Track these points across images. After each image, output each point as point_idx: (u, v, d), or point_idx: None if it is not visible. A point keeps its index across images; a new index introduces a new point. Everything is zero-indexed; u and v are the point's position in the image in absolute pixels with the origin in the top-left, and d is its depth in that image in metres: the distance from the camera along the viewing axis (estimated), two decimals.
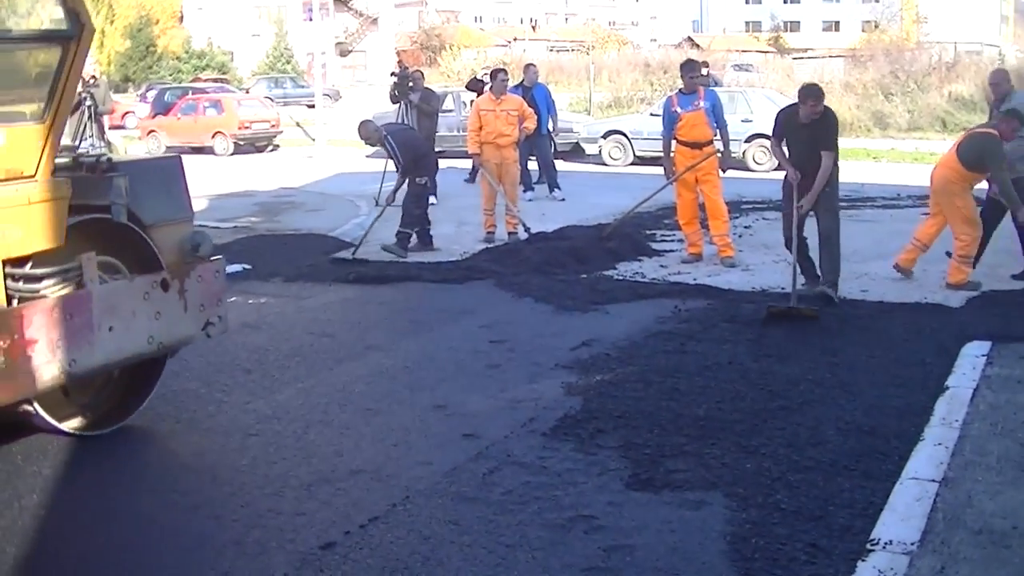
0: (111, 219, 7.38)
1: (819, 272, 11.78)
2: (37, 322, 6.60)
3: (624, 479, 6.59)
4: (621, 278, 12.85)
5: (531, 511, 6.13)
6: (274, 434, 7.59)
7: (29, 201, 6.72)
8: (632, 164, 27.58)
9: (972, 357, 9.25)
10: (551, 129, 21.53)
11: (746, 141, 24.62)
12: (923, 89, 37.74)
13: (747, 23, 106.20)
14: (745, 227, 16.11)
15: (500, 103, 15.86)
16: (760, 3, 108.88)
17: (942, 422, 7.60)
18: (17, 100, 7.20)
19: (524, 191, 19.33)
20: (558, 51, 68.74)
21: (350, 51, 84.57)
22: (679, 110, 13.66)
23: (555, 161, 21.64)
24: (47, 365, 6.68)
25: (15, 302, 6.76)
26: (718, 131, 13.87)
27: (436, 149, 20.88)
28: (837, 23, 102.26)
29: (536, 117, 17.69)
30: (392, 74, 20.04)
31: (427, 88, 20.82)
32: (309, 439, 7.46)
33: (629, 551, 5.62)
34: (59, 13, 6.94)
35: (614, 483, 6.54)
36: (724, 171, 13.96)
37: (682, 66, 14.13)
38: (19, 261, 6.80)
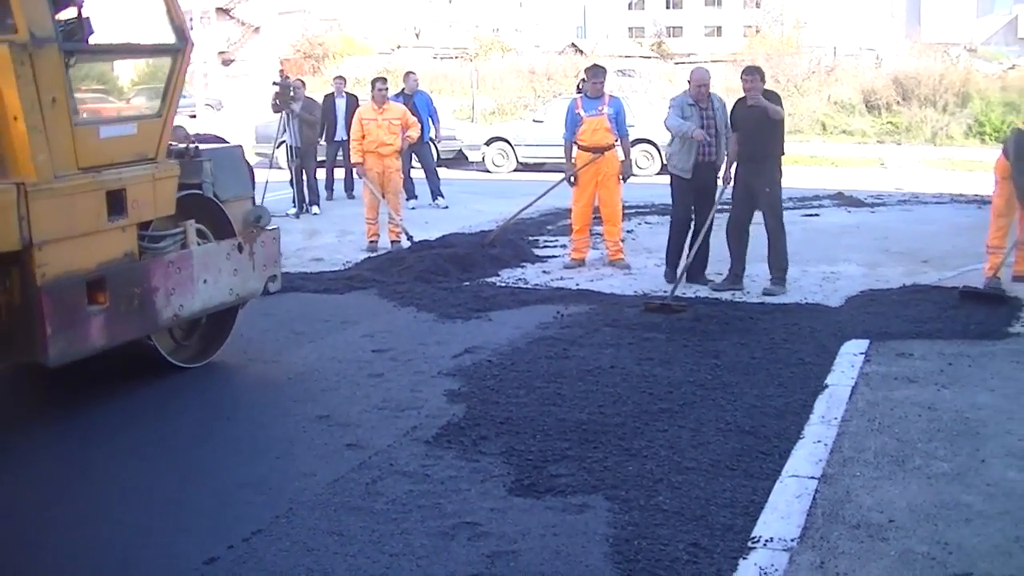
0: (202, 194, 9.30)
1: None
2: (159, 273, 8.59)
3: (507, 485, 6.60)
4: (504, 285, 12.86)
5: (415, 519, 6.11)
6: (159, 450, 7.51)
7: (154, 178, 8.54)
8: (515, 171, 27.69)
9: (850, 355, 9.42)
10: (433, 137, 21.51)
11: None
12: (803, 93, 38.26)
13: (630, 29, 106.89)
14: (628, 232, 16.21)
15: (382, 112, 15.79)
16: (643, 9, 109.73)
17: (821, 420, 7.73)
18: (143, 100, 9.42)
19: (407, 199, 19.31)
20: (442, 58, 68.54)
21: (232, 60, 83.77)
22: (582, 113, 13.72)
23: (438, 169, 21.59)
24: (165, 308, 8.68)
25: (143, 258, 8.54)
26: (619, 139, 13.95)
27: (319, 159, 20.81)
28: (719, 28, 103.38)
29: (419, 125, 17.67)
30: (273, 83, 19.86)
31: (308, 97, 20.68)
32: (194, 454, 7.38)
33: (513, 556, 5.62)
34: (170, 30, 8.75)
35: (497, 489, 6.55)
36: (625, 179, 14.06)
37: (588, 70, 14.20)
38: (145, 225, 8.60)
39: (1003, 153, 12.46)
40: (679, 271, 12.32)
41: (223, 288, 9.38)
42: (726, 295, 12.05)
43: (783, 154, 12.30)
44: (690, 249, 12.41)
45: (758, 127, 12.02)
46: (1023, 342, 9.92)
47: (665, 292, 12.06)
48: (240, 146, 10.52)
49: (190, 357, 9.53)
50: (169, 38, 8.79)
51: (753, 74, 12.12)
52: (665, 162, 12.71)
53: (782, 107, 12.33)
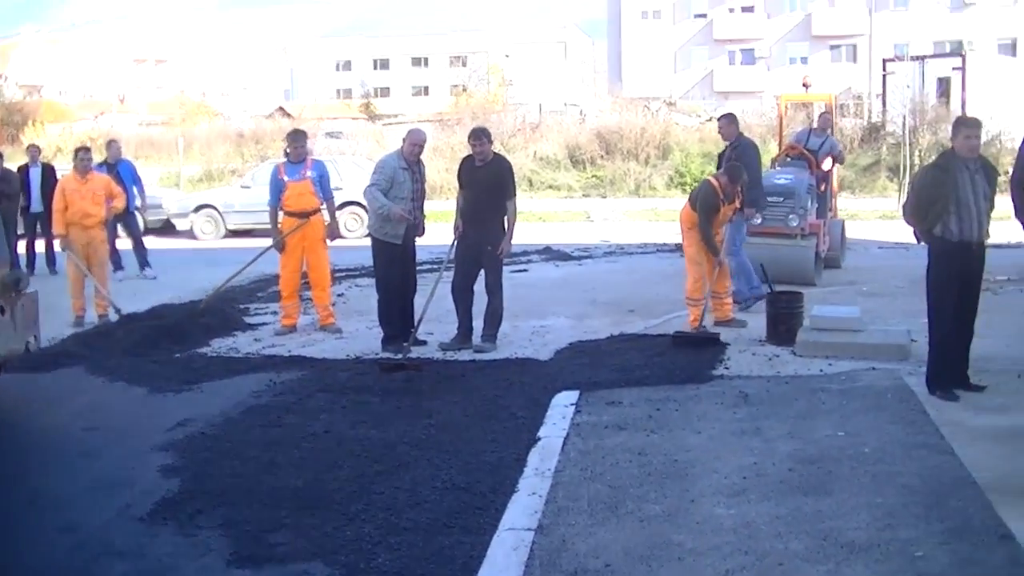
0: None
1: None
2: None
3: (226, 558, 6.54)
4: (216, 355, 12.67)
5: None
6: None
7: None
8: (225, 238, 27.45)
9: (561, 407, 9.60)
10: (139, 205, 21.13)
11: (338, 209, 24.89)
12: (510, 150, 38.93)
13: (338, 91, 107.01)
14: (339, 295, 16.21)
15: (85, 182, 15.44)
16: (350, 71, 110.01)
17: (535, 472, 7.86)
18: None
19: (114, 271, 18.85)
20: (148, 125, 67.37)
21: None
22: (286, 178, 13.73)
23: (145, 238, 21.21)
24: None
25: None
26: (325, 201, 14.07)
27: (19, 232, 20.17)
28: (426, 88, 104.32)
29: (124, 195, 17.37)
30: None
31: (7, 168, 20.05)
32: None
33: None
34: None
35: (216, 563, 6.48)
36: (331, 240, 14.13)
37: (289, 135, 14.31)
38: None
39: (689, 202, 13.07)
40: (413, 330, 12.41)
41: None
42: (438, 354, 12.18)
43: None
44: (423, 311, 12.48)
45: (485, 187, 12.26)
46: (726, 384, 10.33)
47: (378, 354, 12.18)
48: None
49: None
50: None
51: (480, 137, 12.32)
52: (371, 228, 12.76)
53: (513, 174, 12.62)
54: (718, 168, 14.86)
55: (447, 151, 36.76)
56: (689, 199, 13.37)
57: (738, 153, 14.44)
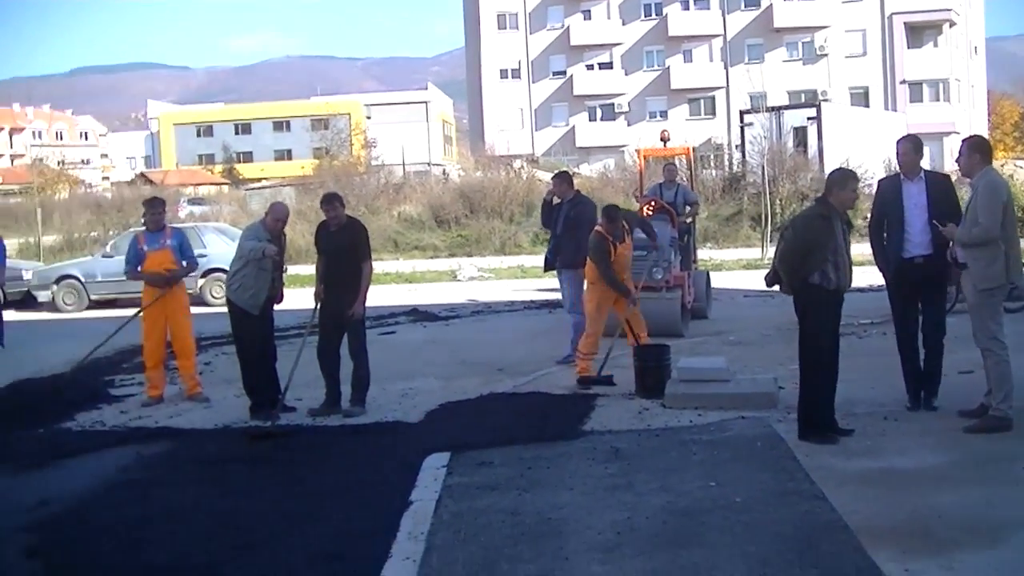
0: None
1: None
2: None
3: None
4: (80, 429, 12.34)
5: None
6: None
7: None
8: (88, 308, 26.89)
9: (433, 469, 9.56)
10: None
11: (202, 276, 24.68)
12: (374, 212, 38.92)
13: (200, 156, 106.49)
14: (206, 364, 15.98)
15: None
16: (212, 136, 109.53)
17: (409, 536, 7.80)
18: None
19: None
20: (5, 195, 66.30)
21: None
22: (145, 248, 13.58)
23: (3, 311, 20.72)
24: None
25: None
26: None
27: None
28: (289, 151, 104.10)
29: None
30: None
31: None
32: None
33: None
34: None
35: None
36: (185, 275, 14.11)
37: (145, 204, 14.14)
38: None
39: (590, 257, 13.17)
40: (281, 397, 12.30)
41: None
42: (307, 420, 12.06)
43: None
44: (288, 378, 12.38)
45: (341, 251, 12.30)
46: (597, 439, 10.37)
47: (246, 422, 12.03)
48: None
49: None
50: None
51: (332, 202, 12.42)
52: (231, 296, 12.60)
53: (367, 237, 12.63)
54: (548, 225, 15.73)
55: (311, 215, 36.59)
56: (588, 255, 13.42)
57: (577, 211, 14.77)
